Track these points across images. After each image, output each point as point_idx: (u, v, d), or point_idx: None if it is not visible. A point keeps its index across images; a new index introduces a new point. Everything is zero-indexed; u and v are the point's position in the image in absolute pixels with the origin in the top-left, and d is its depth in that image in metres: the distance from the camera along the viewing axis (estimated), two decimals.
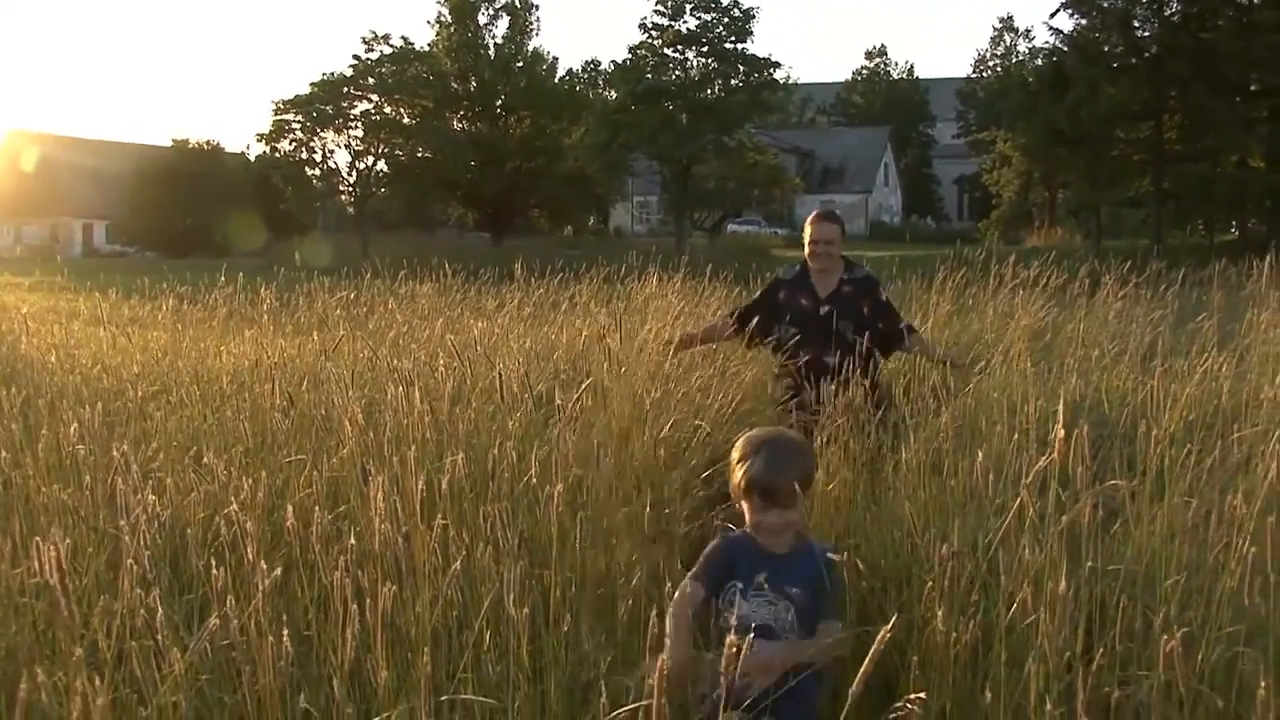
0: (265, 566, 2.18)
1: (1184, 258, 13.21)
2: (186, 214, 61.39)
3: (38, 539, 2.16)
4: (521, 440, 3.84)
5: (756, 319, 6.29)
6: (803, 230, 6.55)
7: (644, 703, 1.90)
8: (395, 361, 4.58)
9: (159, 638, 2.02)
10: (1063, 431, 2.99)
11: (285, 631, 2.07)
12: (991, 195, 58.73)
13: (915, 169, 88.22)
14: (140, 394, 4.67)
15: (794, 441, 3.34)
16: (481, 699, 2.26)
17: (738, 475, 3.13)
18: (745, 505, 3.13)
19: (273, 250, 47.37)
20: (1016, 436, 4.51)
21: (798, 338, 6.11)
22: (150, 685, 2.05)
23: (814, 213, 6.63)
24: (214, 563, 2.24)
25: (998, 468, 4.27)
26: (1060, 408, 3.14)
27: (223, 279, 9.76)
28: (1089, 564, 3.11)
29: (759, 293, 6.75)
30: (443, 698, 1.66)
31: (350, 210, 61.44)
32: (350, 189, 57.16)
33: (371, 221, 56.20)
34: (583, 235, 59.26)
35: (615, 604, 3.29)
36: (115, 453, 2.61)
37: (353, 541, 2.35)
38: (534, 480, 3.13)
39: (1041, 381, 6.74)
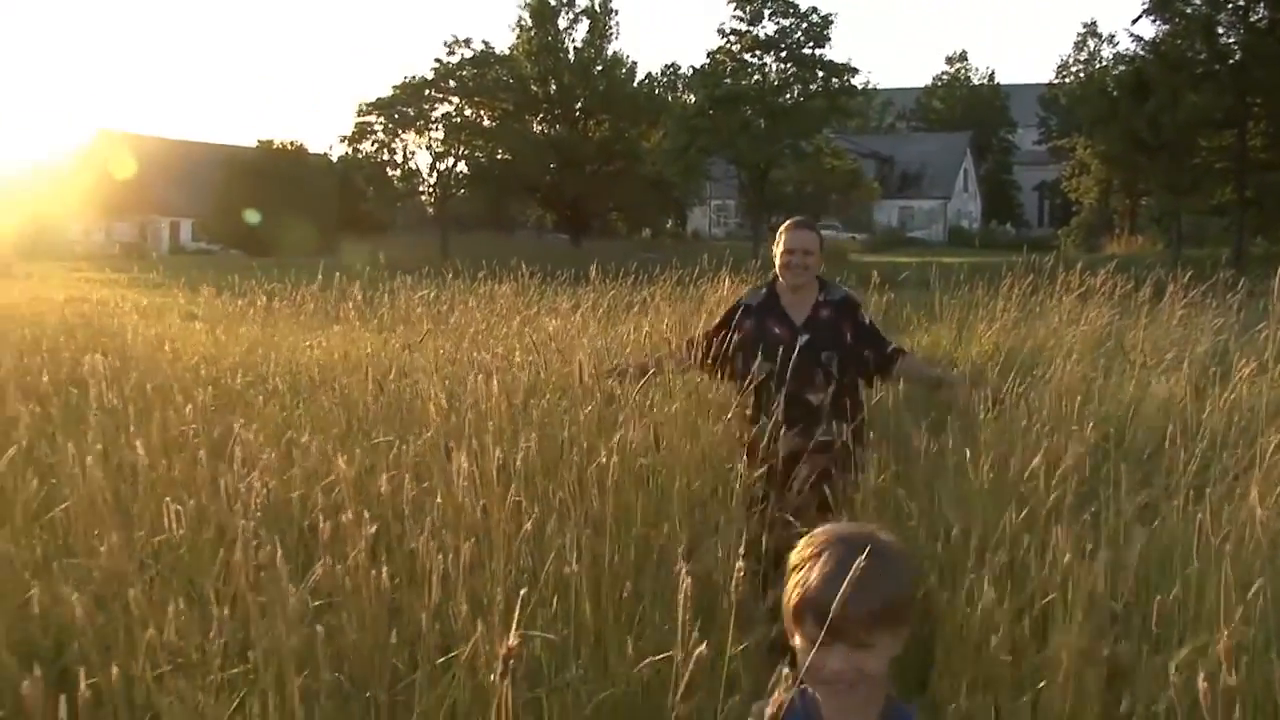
0: (367, 516, 2.48)
1: (1256, 266, 13.20)
2: (270, 213, 62.51)
3: (167, 499, 2.49)
4: (592, 428, 4.13)
5: (726, 342, 5.29)
6: (776, 242, 5.50)
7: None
8: (476, 354, 4.94)
9: (277, 579, 2.34)
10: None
11: (384, 569, 2.38)
12: (1072, 202, 58.20)
13: (995, 175, 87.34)
14: (240, 381, 5.03)
15: (884, 549, 2.06)
16: (547, 635, 2.54)
17: (789, 587, 2.07)
18: (796, 635, 2.06)
19: (352, 250, 48.26)
20: (1055, 437, 4.78)
21: (771, 373, 4.93)
22: (267, 621, 2.36)
23: (788, 221, 5.59)
24: (320, 519, 2.54)
25: (1049, 467, 4.54)
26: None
27: (316, 277, 10.19)
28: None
29: (719, 318, 5.69)
30: (512, 637, 1.93)
31: (429, 211, 62.31)
32: (430, 190, 58.05)
33: (451, 222, 56.91)
34: (660, 238, 59.62)
35: (674, 579, 3.47)
36: (231, 428, 2.93)
37: (438, 500, 2.66)
38: (602, 461, 3.34)
39: (1097, 387, 6.94)
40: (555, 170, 56.28)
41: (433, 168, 57.00)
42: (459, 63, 55.61)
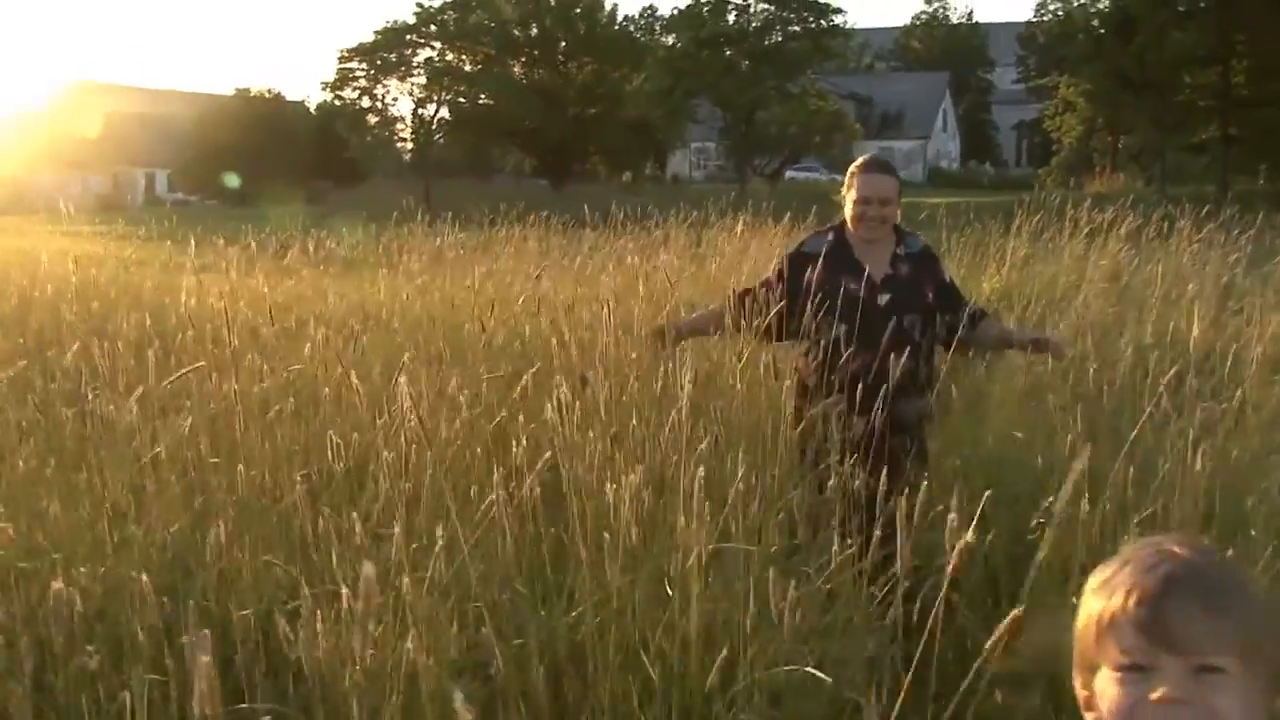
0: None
1: (1257, 203, 13.43)
2: (248, 162, 62.07)
3: (330, 432, 2.63)
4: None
5: (784, 295, 4.39)
6: (845, 186, 4.60)
7: None
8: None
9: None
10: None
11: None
12: (1051, 141, 58.29)
13: (974, 115, 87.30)
14: (349, 327, 5.16)
15: (1229, 576, 1.49)
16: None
17: (1096, 606, 1.48)
18: (1102, 662, 1.47)
19: (332, 197, 48.18)
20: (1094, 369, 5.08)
21: (843, 337, 4.23)
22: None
23: (859, 160, 4.65)
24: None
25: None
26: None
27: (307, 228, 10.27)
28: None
29: (775, 269, 4.73)
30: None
31: (406, 159, 62.09)
32: (413, 136, 57.81)
33: (432, 168, 56.70)
34: (641, 182, 59.50)
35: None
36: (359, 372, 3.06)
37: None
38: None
39: (1122, 320, 7.14)
40: (538, 114, 56.02)
41: (415, 114, 56.79)
42: (440, 7, 55.25)
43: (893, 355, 3.99)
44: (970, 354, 5.42)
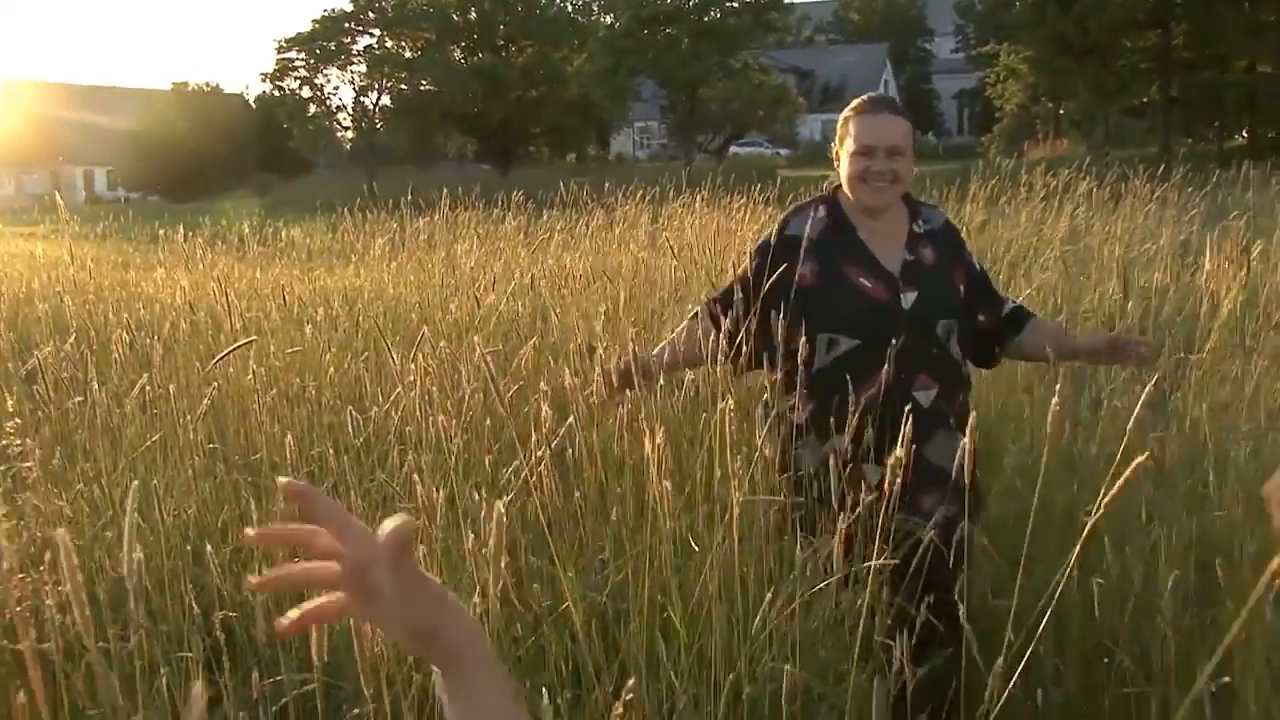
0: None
1: (1206, 164, 13.71)
2: (188, 157, 61.50)
3: (350, 408, 2.68)
4: None
5: (755, 324, 3.11)
6: (838, 136, 3.28)
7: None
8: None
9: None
10: None
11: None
12: (993, 109, 58.75)
13: (914, 85, 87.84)
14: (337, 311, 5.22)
15: None
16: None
17: None
18: None
19: (278, 190, 47.94)
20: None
21: (853, 354, 3.11)
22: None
23: (858, 99, 3.29)
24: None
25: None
26: None
27: (277, 220, 10.26)
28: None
29: (751, 265, 3.28)
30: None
31: (349, 147, 61.83)
32: (355, 125, 57.49)
33: (376, 156, 56.40)
34: (585, 162, 59.43)
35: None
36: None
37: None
38: None
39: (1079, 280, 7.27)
40: (480, 98, 55.79)
41: (357, 102, 56.47)
42: None
43: (923, 378, 3.07)
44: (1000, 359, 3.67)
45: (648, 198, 11.88)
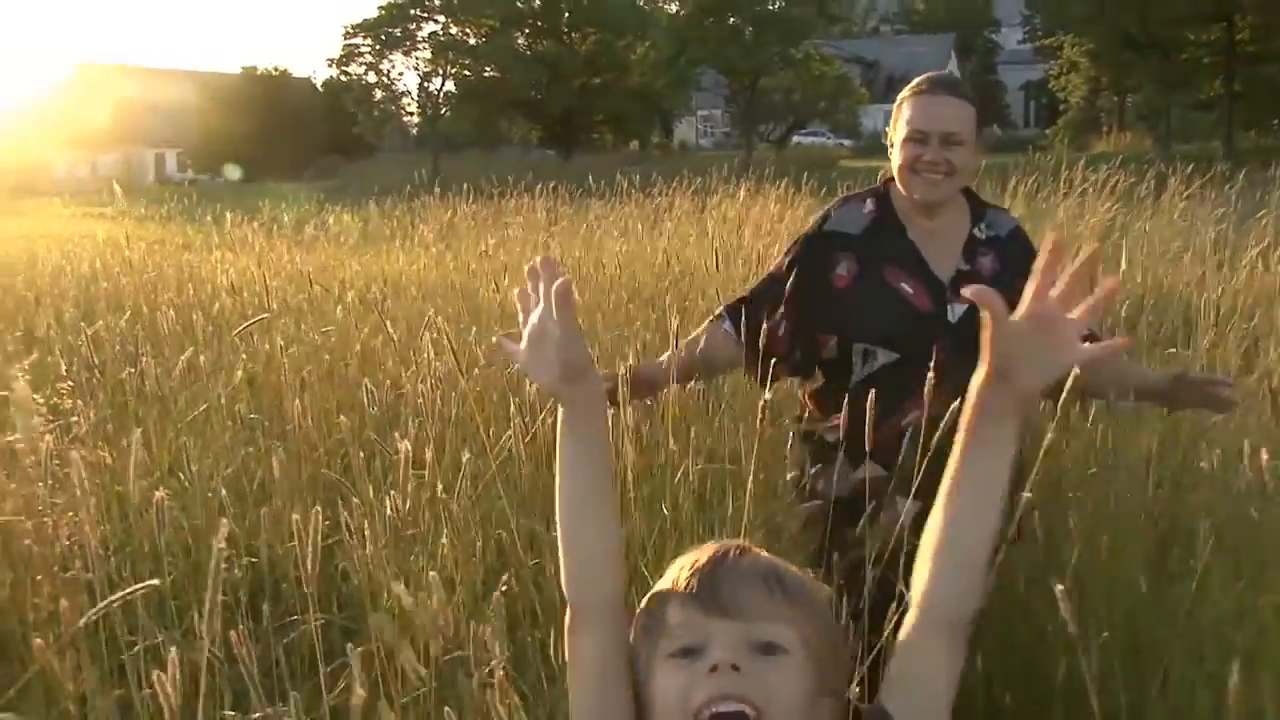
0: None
1: (1250, 159, 13.68)
2: (257, 140, 62.42)
3: (366, 380, 2.99)
4: None
5: (784, 327, 2.87)
6: (891, 121, 2.89)
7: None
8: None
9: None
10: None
11: None
12: (1059, 101, 58.24)
13: (980, 76, 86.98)
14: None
15: (784, 565, 1.39)
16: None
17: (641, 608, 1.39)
18: (655, 663, 1.32)
19: (343, 172, 48.71)
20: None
21: (892, 368, 2.77)
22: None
23: (916, 80, 2.93)
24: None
25: None
26: None
27: (337, 204, 10.66)
28: None
29: (785, 261, 2.95)
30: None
31: (414, 132, 62.52)
32: (420, 110, 58.17)
33: (440, 141, 56.98)
34: (648, 150, 59.66)
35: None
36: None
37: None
38: None
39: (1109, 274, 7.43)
40: (543, 85, 56.20)
41: (421, 88, 57.12)
42: None
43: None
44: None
45: (693, 188, 12.13)
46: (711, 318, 3.01)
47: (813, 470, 2.82)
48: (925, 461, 2.15)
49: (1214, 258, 7.44)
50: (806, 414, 2.95)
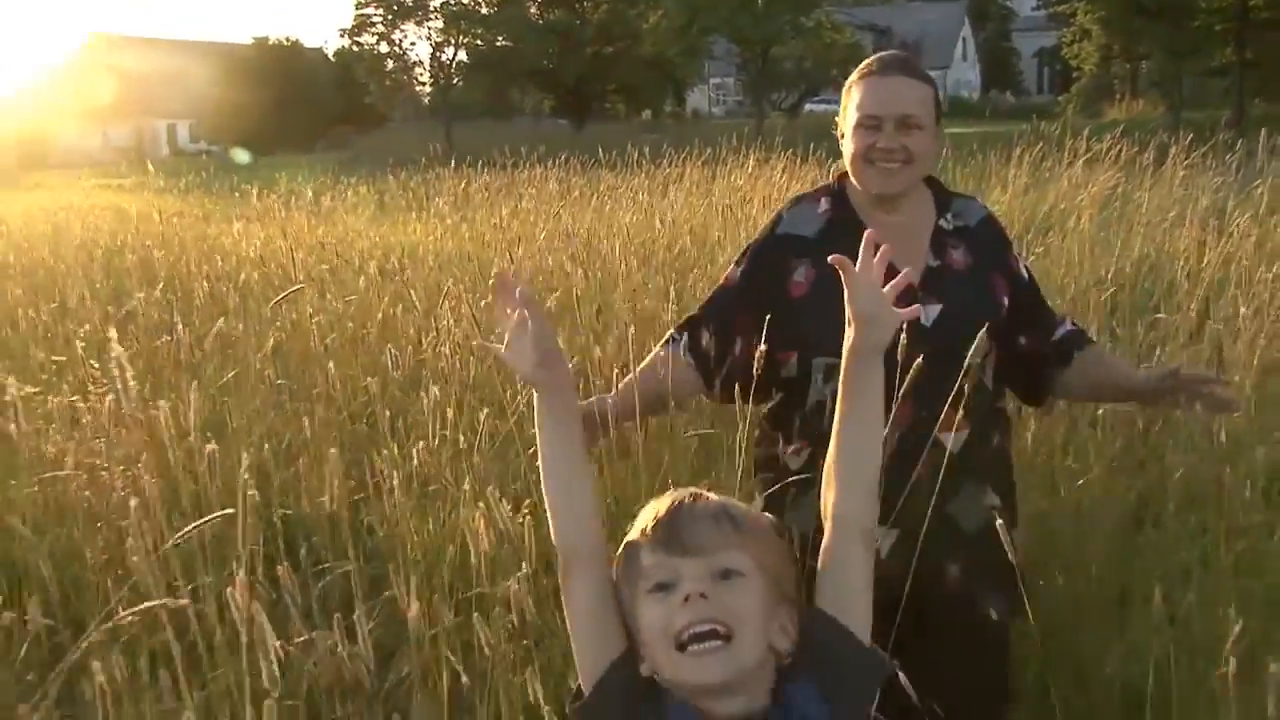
0: None
1: (1255, 127, 13.74)
2: (269, 110, 62.46)
3: (389, 345, 3.22)
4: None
5: (740, 346, 2.61)
6: (841, 108, 2.62)
7: None
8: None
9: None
10: None
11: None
12: (1073, 68, 58.05)
13: (994, 42, 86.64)
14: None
15: (732, 501, 1.67)
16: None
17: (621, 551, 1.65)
18: (638, 600, 1.58)
19: (355, 143, 48.88)
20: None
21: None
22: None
23: (866, 62, 2.63)
24: None
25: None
26: None
27: (351, 175, 10.86)
28: None
29: (736, 271, 2.70)
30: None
31: (426, 102, 62.53)
32: (432, 80, 58.19)
33: (452, 111, 57.03)
34: (660, 118, 59.63)
35: None
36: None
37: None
38: None
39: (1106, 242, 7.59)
40: (555, 54, 56.19)
41: (434, 57, 57.12)
42: None
43: (949, 416, 2.36)
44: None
45: (703, 158, 12.32)
46: (664, 341, 2.72)
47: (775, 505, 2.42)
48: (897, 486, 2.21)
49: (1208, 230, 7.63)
50: (761, 436, 2.72)
